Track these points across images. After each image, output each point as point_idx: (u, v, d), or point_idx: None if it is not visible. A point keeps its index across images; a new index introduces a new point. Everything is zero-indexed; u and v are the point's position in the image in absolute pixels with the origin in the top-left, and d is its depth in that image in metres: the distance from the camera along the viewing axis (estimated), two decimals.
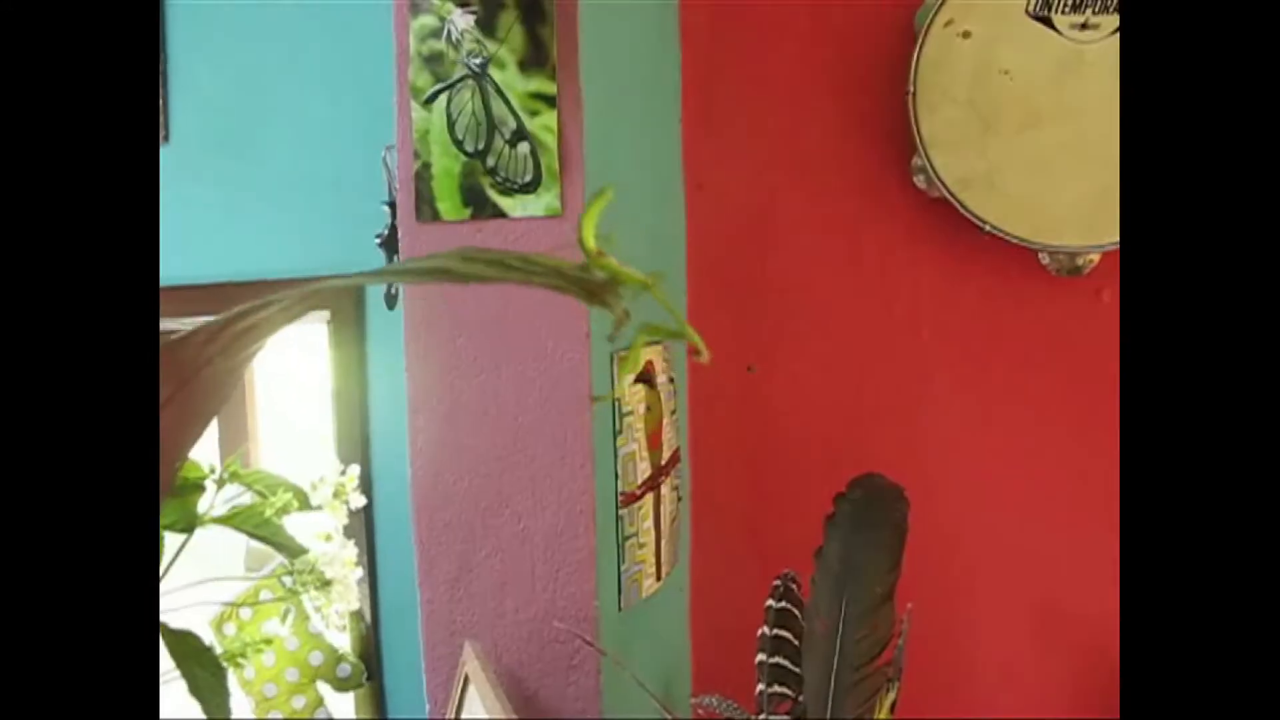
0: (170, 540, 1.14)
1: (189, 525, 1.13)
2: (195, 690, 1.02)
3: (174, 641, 1.04)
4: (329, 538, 1.31)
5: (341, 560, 1.22)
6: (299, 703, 1.70)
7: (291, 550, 1.20)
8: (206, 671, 1.03)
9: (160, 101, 1.94)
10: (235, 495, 1.21)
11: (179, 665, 1.03)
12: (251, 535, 1.15)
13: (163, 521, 1.09)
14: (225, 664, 1.11)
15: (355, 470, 1.32)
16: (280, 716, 1.68)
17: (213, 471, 1.17)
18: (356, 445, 1.83)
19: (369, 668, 1.85)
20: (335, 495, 1.27)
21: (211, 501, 1.18)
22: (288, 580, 1.38)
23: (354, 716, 1.92)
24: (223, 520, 1.15)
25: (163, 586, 1.13)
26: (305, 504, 1.25)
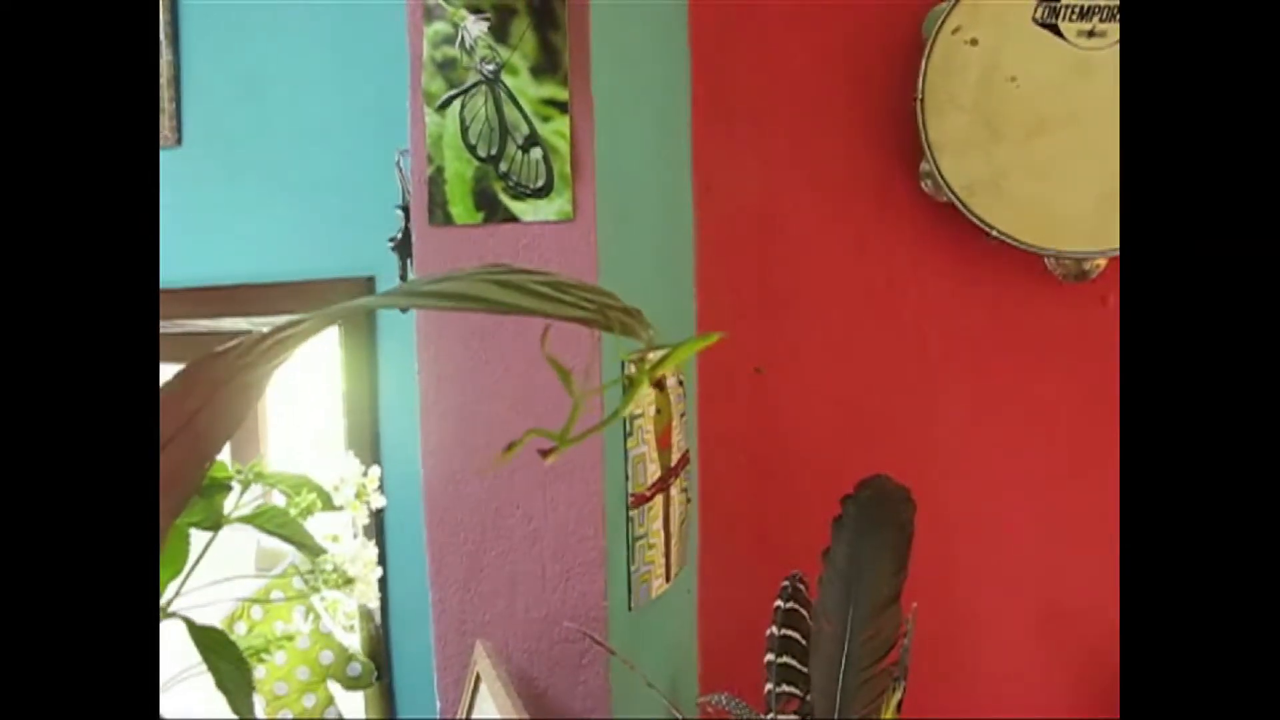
0: (195, 538, 1.16)
1: (215, 524, 1.15)
2: (220, 683, 1.04)
3: (199, 636, 1.06)
4: (336, 539, 1.33)
5: (364, 560, 1.24)
6: (309, 701, 1.72)
7: (312, 549, 1.22)
8: (231, 665, 1.05)
9: (172, 105, 1.96)
10: (253, 498, 1.22)
11: (205, 659, 1.05)
12: (274, 534, 1.16)
13: (189, 520, 1.11)
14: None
15: (376, 471, 1.33)
16: (291, 715, 1.70)
17: (239, 472, 1.19)
18: (367, 447, 1.84)
19: (379, 667, 1.86)
20: (357, 496, 1.28)
21: (237, 501, 1.20)
22: (299, 581, 1.40)
23: (363, 715, 1.93)
24: (247, 519, 1.17)
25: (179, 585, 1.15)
26: (329, 504, 1.26)
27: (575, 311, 0.43)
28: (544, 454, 0.48)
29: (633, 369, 1.23)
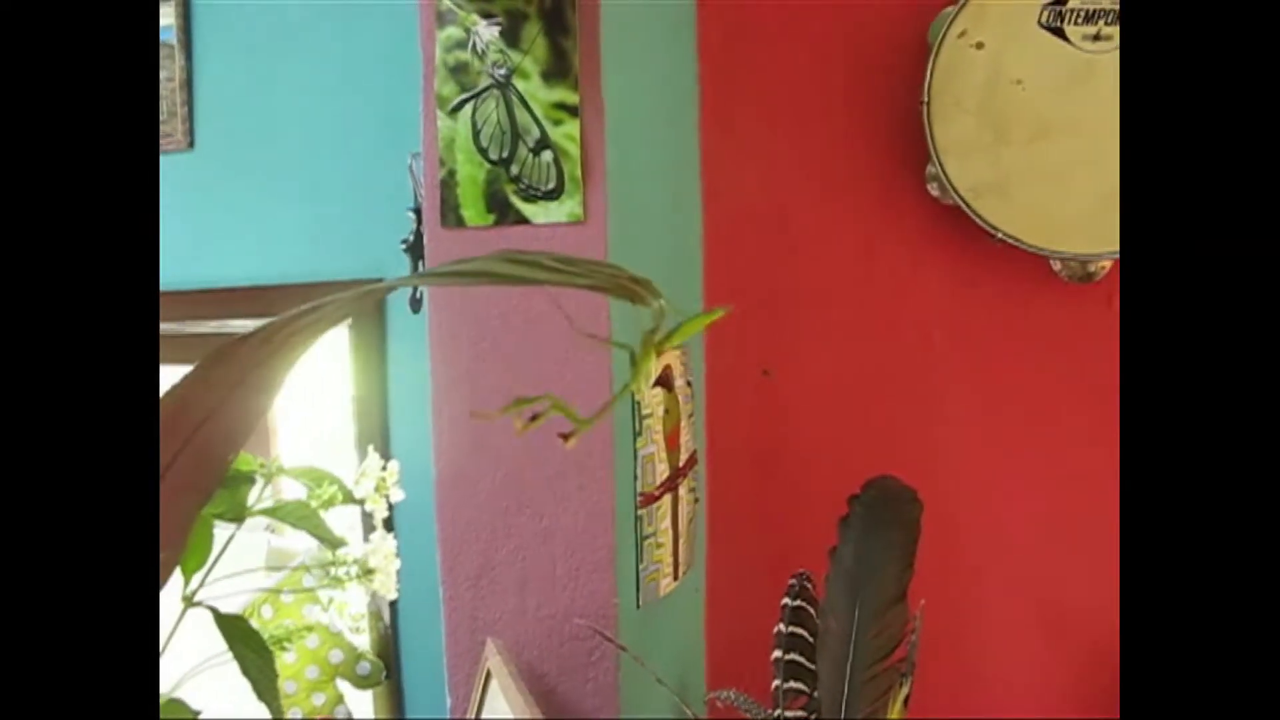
0: (218, 531, 1.18)
1: (238, 516, 1.17)
2: (246, 671, 1.06)
3: (225, 624, 1.08)
4: (344, 542, 1.34)
5: (384, 551, 1.25)
6: (319, 700, 1.73)
7: (331, 542, 1.23)
8: (255, 653, 1.07)
9: (184, 109, 1.97)
10: (268, 494, 1.24)
11: (230, 648, 1.07)
12: (295, 526, 1.18)
13: (213, 511, 1.13)
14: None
15: (396, 465, 1.35)
16: (300, 713, 1.71)
17: (262, 466, 1.21)
18: (377, 448, 1.85)
19: (388, 666, 1.88)
20: (377, 489, 1.30)
21: (259, 495, 1.21)
22: (310, 579, 1.41)
23: (373, 714, 1.95)
24: (269, 512, 1.18)
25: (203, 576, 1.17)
26: (349, 498, 1.28)
27: (584, 280, 0.44)
28: (564, 437, 0.50)
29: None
